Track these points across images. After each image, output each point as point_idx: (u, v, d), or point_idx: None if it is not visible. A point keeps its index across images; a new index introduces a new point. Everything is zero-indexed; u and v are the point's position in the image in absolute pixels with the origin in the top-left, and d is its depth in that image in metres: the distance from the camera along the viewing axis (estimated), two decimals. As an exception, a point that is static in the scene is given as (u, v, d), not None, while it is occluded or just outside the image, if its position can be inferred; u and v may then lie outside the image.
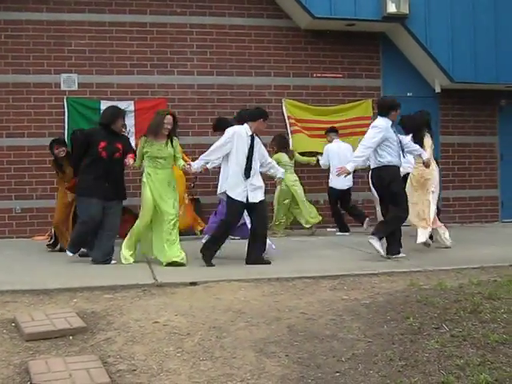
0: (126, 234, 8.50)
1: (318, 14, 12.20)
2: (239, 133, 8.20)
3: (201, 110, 12.33)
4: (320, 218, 11.70)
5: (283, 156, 11.48)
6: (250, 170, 8.15)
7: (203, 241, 8.67)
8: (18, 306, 5.84)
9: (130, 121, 11.71)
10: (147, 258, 8.44)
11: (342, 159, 10.82)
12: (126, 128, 11.31)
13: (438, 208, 9.74)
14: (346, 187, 11.64)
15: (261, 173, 8.37)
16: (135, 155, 8.43)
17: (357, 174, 11.21)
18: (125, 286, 6.52)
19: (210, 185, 11.48)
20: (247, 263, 8.06)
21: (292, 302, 5.93)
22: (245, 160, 8.14)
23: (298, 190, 11.57)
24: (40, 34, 11.76)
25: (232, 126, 8.50)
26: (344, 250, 8.86)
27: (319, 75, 13.00)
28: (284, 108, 12.72)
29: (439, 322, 5.19)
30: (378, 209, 9.87)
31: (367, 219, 11.48)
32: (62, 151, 9.37)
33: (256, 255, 8.09)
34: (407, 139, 9.05)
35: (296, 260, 8.33)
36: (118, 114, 8.58)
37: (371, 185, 9.06)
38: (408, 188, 9.05)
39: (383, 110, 8.68)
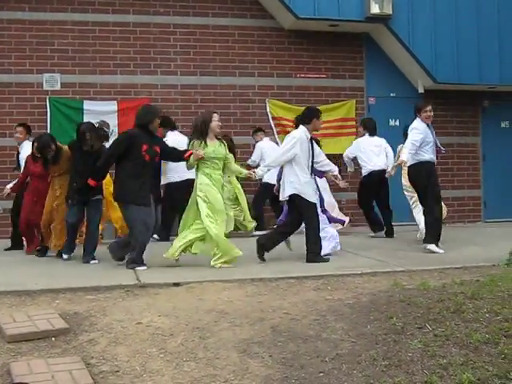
0: None
1: (302, 15, 12.21)
2: (302, 137, 8.35)
3: (184, 110, 12.30)
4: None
5: None
6: (312, 171, 8.48)
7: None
8: (0, 308, 5.79)
9: (113, 121, 11.66)
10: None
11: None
12: (109, 128, 11.27)
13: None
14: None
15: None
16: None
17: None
18: (108, 287, 6.50)
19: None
20: (307, 261, 8.15)
21: (275, 302, 5.93)
22: (309, 163, 8.39)
23: None
24: (22, 34, 11.70)
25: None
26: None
27: (303, 75, 13.02)
28: (268, 109, 12.71)
29: (422, 322, 5.20)
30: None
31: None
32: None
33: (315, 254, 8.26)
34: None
35: (279, 260, 8.32)
36: (155, 112, 8.17)
37: (405, 182, 9.78)
38: None
39: (417, 112, 9.29)
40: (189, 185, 8.62)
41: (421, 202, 9.41)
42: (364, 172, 11.31)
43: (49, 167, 8.96)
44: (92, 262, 8.41)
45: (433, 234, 8.98)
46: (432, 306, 5.55)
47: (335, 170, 9.04)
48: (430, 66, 12.85)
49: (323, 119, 12.49)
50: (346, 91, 13.24)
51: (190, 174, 8.72)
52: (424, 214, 9.20)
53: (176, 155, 8.37)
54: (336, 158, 11.44)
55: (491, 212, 13.99)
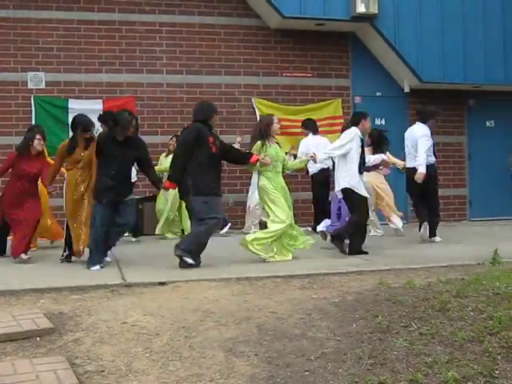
0: None
1: (288, 14, 12.22)
2: (358, 134, 8.79)
3: (170, 108, 12.29)
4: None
5: None
6: (361, 167, 8.87)
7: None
8: (-16, 307, 5.76)
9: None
10: (116, 258, 8.38)
11: None
12: (94, 127, 11.23)
13: None
14: None
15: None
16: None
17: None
18: (93, 287, 6.46)
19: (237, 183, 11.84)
20: (350, 254, 8.59)
21: (261, 301, 5.92)
22: (360, 160, 8.82)
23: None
24: (6, 32, 11.63)
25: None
26: (311, 250, 8.85)
27: (289, 74, 13.03)
28: (255, 107, 12.71)
29: (408, 320, 5.21)
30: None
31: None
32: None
33: (359, 246, 8.74)
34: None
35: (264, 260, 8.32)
36: (214, 108, 8.26)
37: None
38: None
39: (428, 117, 10.08)
40: None
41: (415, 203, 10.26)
42: (314, 170, 11.41)
43: (76, 154, 8.19)
44: (107, 259, 8.15)
45: (436, 227, 10.08)
46: (417, 304, 5.57)
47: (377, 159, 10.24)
48: (416, 65, 12.90)
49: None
50: (332, 90, 13.26)
51: None
52: (429, 211, 10.00)
53: (239, 157, 8.51)
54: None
55: (476, 211, 14.07)
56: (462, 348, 4.71)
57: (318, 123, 12.42)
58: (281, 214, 8.22)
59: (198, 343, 4.85)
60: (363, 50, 13.38)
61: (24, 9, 11.72)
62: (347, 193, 8.75)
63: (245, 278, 6.88)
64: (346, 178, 8.71)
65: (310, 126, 11.75)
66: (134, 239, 10.68)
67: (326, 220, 9.84)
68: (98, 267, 7.74)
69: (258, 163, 8.18)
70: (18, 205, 8.56)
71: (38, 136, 8.66)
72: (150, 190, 10.95)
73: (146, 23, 12.29)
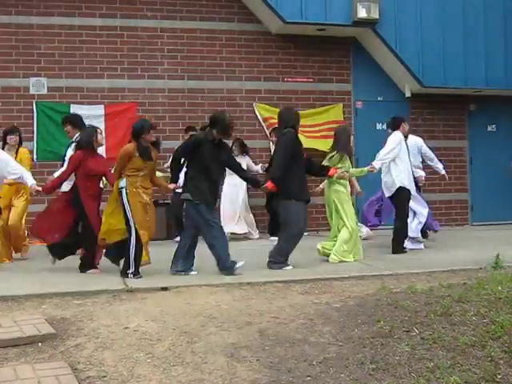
0: None
1: (289, 19, 12.24)
2: (402, 137, 9.54)
3: (171, 114, 12.30)
4: None
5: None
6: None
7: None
8: (-14, 313, 5.77)
9: (100, 125, 11.58)
10: (119, 263, 8.39)
11: None
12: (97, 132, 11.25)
13: None
14: None
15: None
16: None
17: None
18: (95, 292, 6.48)
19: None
20: (393, 253, 9.10)
21: (263, 306, 5.92)
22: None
23: None
24: (8, 37, 11.66)
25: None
26: (313, 255, 8.85)
27: (290, 79, 13.04)
28: (257, 112, 12.72)
29: (410, 325, 5.21)
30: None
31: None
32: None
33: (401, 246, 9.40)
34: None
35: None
36: (298, 116, 8.61)
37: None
38: None
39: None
40: None
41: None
42: None
43: (140, 161, 7.65)
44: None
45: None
46: (419, 309, 5.57)
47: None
48: (417, 70, 12.91)
49: (312, 123, 12.62)
50: (333, 95, 13.27)
51: None
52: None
53: (319, 168, 8.81)
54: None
55: (478, 215, 14.05)
56: (465, 353, 4.71)
57: (322, 127, 12.44)
58: (353, 219, 8.78)
59: (200, 348, 4.85)
60: (364, 55, 13.40)
61: (26, 15, 11.74)
62: (401, 191, 9.38)
63: (247, 283, 6.88)
64: (399, 177, 9.38)
65: None
66: None
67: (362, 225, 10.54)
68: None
69: (334, 176, 8.61)
70: (95, 208, 8.07)
71: (99, 130, 8.34)
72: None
73: (147, 29, 12.31)
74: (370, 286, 6.72)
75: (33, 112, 11.69)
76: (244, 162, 11.24)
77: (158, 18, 12.38)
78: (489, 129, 14.30)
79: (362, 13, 12.33)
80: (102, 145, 8.37)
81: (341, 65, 13.33)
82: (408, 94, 13.40)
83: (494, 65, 13.26)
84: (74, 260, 8.66)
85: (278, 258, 8.05)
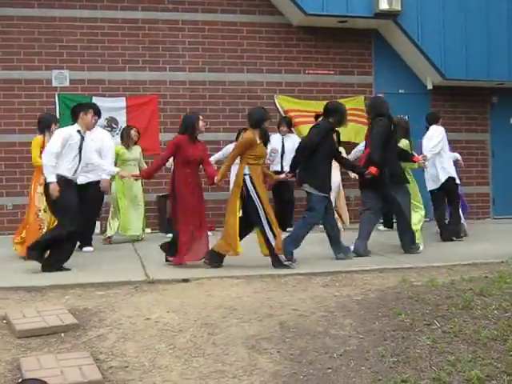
0: None
1: (310, 11, 12.19)
2: (443, 131, 10.06)
3: (192, 106, 12.28)
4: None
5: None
6: None
7: None
8: (9, 303, 5.83)
9: (121, 117, 11.73)
10: (140, 255, 8.45)
11: None
12: (116, 124, 11.32)
13: None
14: None
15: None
16: None
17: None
18: (117, 283, 6.51)
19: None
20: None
21: (284, 298, 5.94)
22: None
23: None
24: (31, 30, 11.70)
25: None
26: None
27: (311, 72, 13.00)
28: (278, 105, 12.69)
29: (431, 319, 5.21)
30: None
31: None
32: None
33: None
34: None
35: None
36: (388, 104, 9.01)
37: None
38: None
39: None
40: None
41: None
42: None
43: (262, 149, 7.84)
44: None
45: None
46: (440, 302, 5.56)
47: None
48: (439, 62, 12.81)
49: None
50: (355, 87, 13.21)
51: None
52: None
53: (406, 157, 9.03)
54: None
55: (500, 209, 13.95)
56: (486, 346, 4.70)
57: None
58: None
59: (221, 340, 4.88)
60: (386, 47, 13.31)
61: (48, 7, 11.78)
62: (449, 181, 9.96)
63: (267, 275, 6.90)
64: (447, 169, 9.97)
65: None
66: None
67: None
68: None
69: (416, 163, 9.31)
70: (192, 197, 7.84)
71: (201, 116, 8.15)
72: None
73: (168, 21, 12.32)
74: (390, 278, 6.71)
75: (55, 104, 11.74)
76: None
77: (180, 10, 12.38)
78: (511, 122, 14.17)
79: (383, 4, 12.24)
80: (202, 132, 8.17)
81: (362, 57, 13.25)
82: (430, 87, 13.31)
83: (517, 57, 13.14)
84: (97, 252, 8.76)
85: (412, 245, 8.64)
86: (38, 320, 5.21)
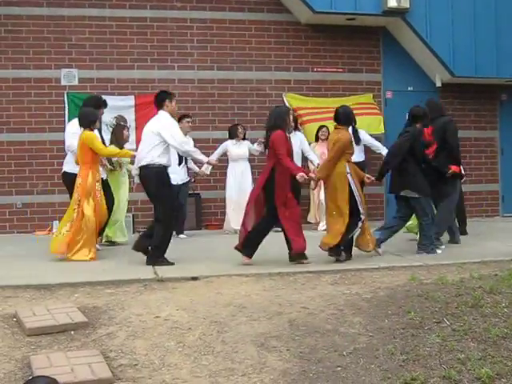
0: None
1: (319, 9, 12.18)
2: None
3: (201, 104, 12.32)
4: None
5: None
6: None
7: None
8: (20, 301, 5.85)
9: (130, 115, 11.74)
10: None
11: None
12: (126, 122, 11.33)
13: None
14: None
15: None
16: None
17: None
18: (126, 281, 6.52)
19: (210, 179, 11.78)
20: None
21: (293, 296, 5.94)
22: None
23: None
24: (40, 29, 11.75)
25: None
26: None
27: (319, 70, 12.98)
28: (286, 103, 12.67)
29: (440, 317, 5.20)
30: None
31: None
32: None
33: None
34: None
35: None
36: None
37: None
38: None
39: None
40: None
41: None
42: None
43: None
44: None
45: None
46: (450, 300, 5.55)
47: None
48: (448, 59, 12.78)
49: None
50: (363, 85, 13.19)
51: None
52: None
53: None
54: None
55: (509, 206, 13.90)
56: (496, 344, 4.69)
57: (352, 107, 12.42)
58: None
59: (231, 338, 4.89)
60: (394, 45, 13.29)
61: (57, 6, 11.82)
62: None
63: (276, 274, 6.89)
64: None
65: None
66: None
67: None
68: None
69: None
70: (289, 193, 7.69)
71: (291, 111, 8.15)
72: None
73: (177, 19, 12.33)
74: (399, 276, 6.70)
75: (64, 103, 11.78)
76: (245, 146, 11.32)
77: (188, 8, 12.39)
78: (521, 119, 14.14)
79: (392, 2, 12.21)
80: (291, 127, 8.15)
81: (370, 55, 13.23)
82: (438, 84, 13.28)
83: (526, 54, 13.08)
84: (106, 251, 8.77)
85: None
86: (47, 318, 5.23)
